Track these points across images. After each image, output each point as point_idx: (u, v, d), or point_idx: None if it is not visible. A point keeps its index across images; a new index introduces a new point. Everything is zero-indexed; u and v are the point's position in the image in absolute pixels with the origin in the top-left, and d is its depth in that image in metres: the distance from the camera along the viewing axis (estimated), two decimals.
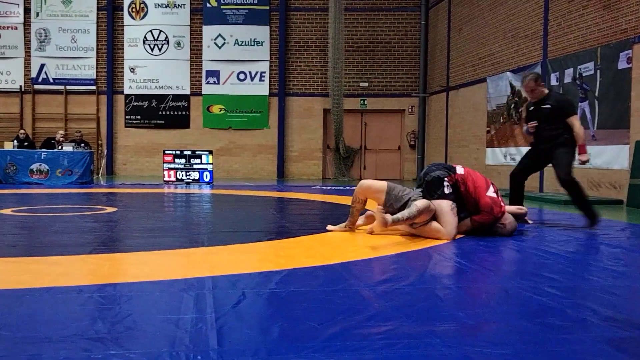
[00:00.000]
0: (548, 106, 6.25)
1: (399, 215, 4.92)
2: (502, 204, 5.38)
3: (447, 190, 5.15)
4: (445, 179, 5.15)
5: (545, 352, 2.17)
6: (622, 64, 9.89)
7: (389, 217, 4.87)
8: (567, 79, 11.42)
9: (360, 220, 5.56)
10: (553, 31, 12.00)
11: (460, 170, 5.32)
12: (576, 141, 6.16)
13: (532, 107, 6.50)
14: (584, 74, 10.91)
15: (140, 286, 3.18)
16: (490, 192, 5.26)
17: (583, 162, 6.21)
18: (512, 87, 13.52)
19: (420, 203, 4.99)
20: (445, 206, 5.07)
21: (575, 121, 6.16)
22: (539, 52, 12.48)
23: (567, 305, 2.86)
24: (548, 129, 6.24)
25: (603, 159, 10.13)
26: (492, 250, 4.69)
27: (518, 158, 13.28)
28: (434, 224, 5.05)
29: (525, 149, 12.98)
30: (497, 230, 5.34)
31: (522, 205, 6.47)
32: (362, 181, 5.46)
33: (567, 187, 6.14)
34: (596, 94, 10.54)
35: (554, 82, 11.90)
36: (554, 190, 11.73)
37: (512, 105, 13.55)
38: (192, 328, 2.40)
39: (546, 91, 6.46)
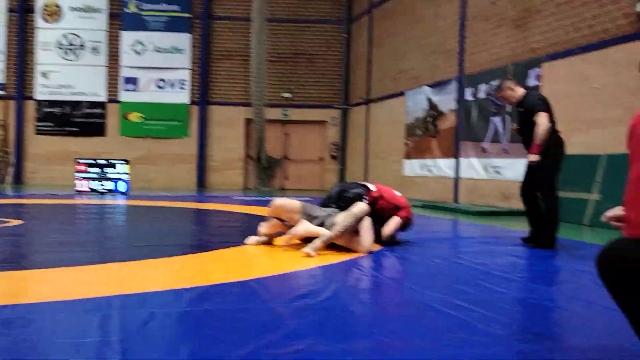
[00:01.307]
0: (522, 110, 5.97)
1: (338, 227, 4.93)
2: None
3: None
4: (365, 196, 5.33)
5: None
6: (531, 81, 10.36)
7: (327, 232, 4.92)
8: (481, 94, 11.87)
9: (263, 228, 5.38)
10: (469, 48, 12.45)
11: (372, 187, 5.65)
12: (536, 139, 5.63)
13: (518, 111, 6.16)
14: None
15: (41, 307, 2.99)
16: (397, 193, 5.89)
17: (531, 162, 5.70)
18: (430, 101, 13.91)
19: (357, 209, 5.02)
20: (366, 221, 5.16)
21: (537, 119, 5.62)
22: (455, 68, 12.91)
23: (476, 319, 2.92)
24: (528, 134, 5.81)
25: (514, 171, 10.56)
26: (407, 263, 4.76)
27: (434, 170, 13.69)
28: (356, 236, 5.10)
29: (441, 161, 13.44)
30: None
31: (542, 222, 5.78)
32: (275, 200, 5.39)
33: (546, 202, 5.76)
34: (507, 109, 11.00)
35: (469, 96, 12.33)
36: (468, 201, 12.13)
37: (430, 119, 13.93)
38: (94, 353, 2.27)
39: (519, 94, 6.01)
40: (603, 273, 2.03)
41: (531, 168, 5.77)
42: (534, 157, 5.64)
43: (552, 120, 5.77)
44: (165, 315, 2.89)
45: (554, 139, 5.72)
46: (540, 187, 5.74)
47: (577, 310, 3.20)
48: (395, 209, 5.71)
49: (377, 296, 3.52)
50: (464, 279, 4.10)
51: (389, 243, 5.61)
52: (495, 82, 11.28)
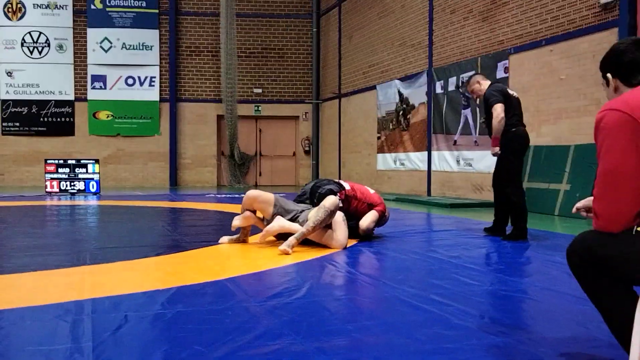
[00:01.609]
0: (479, 101, 6.04)
1: (311, 222, 4.92)
2: None
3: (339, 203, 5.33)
4: (338, 193, 5.34)
5: None
6: (500, 73, 10.48)
7: (301, 228, 4.92)
8: (451, 87, 11.96)
9: (237, 221, 5.31)
10: (437, 41, 12.53)
11: (346, 185, 5.67)
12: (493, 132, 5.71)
13: None
14: None
15: (10, 314, 2.93)
16: (371, 190, 5.91)
17: (493, 154, 5.80)
18: (401, 94, 13.97)
19: (328, 202, 5.01)
20: (338, 217, 5.16)
21: (493, 111, 5.65)
22: (425, 61, 12.99)
23: (450, 313, 2.94)
24: (490, 126, 5.84)
25: (485, 163, 10.68)
26: (382, 258, 4.78)
27: (407, 163, 13.77)
28: (329, 231, 5.10)
29: (413, 154, 13.52)
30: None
31: (507, 216, 5.89)
32: (250, 191, 5.39)
33: (510, 194, 5.76)
34: (477, 102, 11.10)
35: (439, 90, 12.42)
36: (440, 194, 12.23)
37: (401, 112, 14.00)
38: None
39: (485, 87, 6.02)
40: (573, 265, 2.06)
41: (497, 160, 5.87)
42: (494, 150, 5.73)
43: (515, 113, 5.78)
44: (139, 318, 2.86)
45: (516, 132, 5.74)
46: (504, 179, 5.80)
47: (549, 301, 3.25)
48: (369, 207, 5.74)
49: (352, 293, 3.53)
50: (438, 273, 4.14)
51: (365, 237, 5.64)
52: (465, 75, 11.39)
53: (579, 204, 2.22)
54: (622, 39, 2.17)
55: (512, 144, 5.72)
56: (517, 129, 5.77)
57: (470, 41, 11.41)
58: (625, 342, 1.89)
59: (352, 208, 5.63)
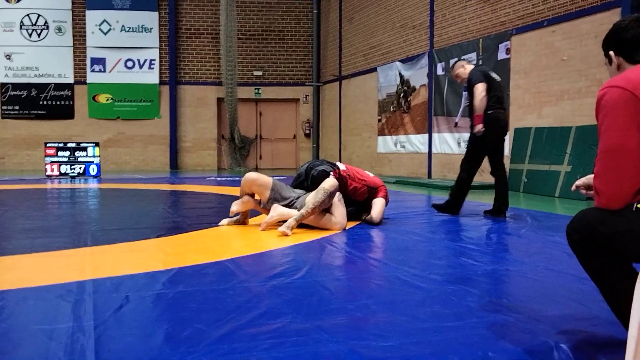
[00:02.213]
0: (465, 85, 6.12)
1: (310, 204, 4.91)
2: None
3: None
4: (331, 173, 5.27)
5: (427, 341, 2.22)
6: (501, 55, 10.42)
7: (296, 213, 4.92)
8: None
9: (235, 206, 5.33)
10: (438, 22, 12.44)
11: (342, 166, 5.57)
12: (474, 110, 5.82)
13: None
14: None
15: (13, 294, 2.94)
16: (369, 174, 5.80)
17: (475, 133, 5.85)
18: (402, 76, 13.91)
19: (327, 184, 4.99)
20: (335, 198, 5.14)
21: (475, 89, 5.76)
22: (426, 43, 12.91)
23: (450, 292, 2.95)
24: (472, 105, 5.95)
25: None
26: (382, 239, 4.79)
27: (408, 146, 13.75)
28: (327, 215, 5.10)
29: (414, 137, 13.49)
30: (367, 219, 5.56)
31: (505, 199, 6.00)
32: (248, 174, 5.39)
33: (462, 170, 6.06)
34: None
35: (440, 71, 12.36)
36: (441, 176, 12.22)
37: (402, 94, 13.94)
38: (68, 339, 2.24)
39: (467, 71, 6.11)
40: (573, 242, 2.06)
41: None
42: (478, 127, 5.76)
43: (494, 95, 5.80)
44: (140, 298, 2.87)
45: (492, 115, 5.75)
46: (467, 155, 6.00)
47: (549, 280, 3.26)
48: (371, 190, 5.62)
49: (352, 273, 3.54)
50: (438, 253, 4.14)
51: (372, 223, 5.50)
52: (467, 57, 11.33)
53: (579, 182, 2.22)
54: (624, 17, 2.16)
55: (485, 126, 5.75)
56: (493, 111, 5.79)
57: (471, 22, 11.34)
58: (624, 319, 1.89)
59: (350, 190, 5.53)
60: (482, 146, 5.93)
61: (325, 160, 5.63)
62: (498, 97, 5.86)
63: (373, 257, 4.01)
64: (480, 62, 10.95)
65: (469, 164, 6.03)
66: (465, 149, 6.16)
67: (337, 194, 5.18)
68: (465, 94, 11.47)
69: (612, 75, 2.12)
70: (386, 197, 5.71)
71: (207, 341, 2.22)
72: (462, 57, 11.44)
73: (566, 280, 3.23)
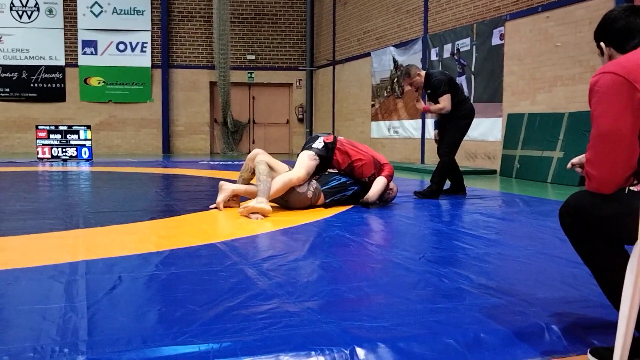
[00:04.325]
0: (428, 91, 6.48)
1: (261, 194, 4.92)
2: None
3: (316, 145, 5.41)
4: (322, 137, 5.38)
5: (419, 323, 2.23)
6: (495, 40, 10.40)
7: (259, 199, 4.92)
8: (446, 54, 11.87)
9: (219, 197, 5.34)
10: (433, 7, 12.39)
11: (340, 137, 5.67)
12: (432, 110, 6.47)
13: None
14: (461, 50, 11.38)
15: (4, 274, 2.93)
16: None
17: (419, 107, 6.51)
18: (395, 61, 13.87)
19: (258, 172, 5.05)
20: (302, 154, 5.25)
21: (441, 100, 6.27)
22: (420, 28, 12.86)
23: (443, 275, 2.97)
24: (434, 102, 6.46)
25: (479, 131, 10.67)
26: (374, 223, 4.80)
27: (401, 131, 13.75)
28: (279, 178, 5.07)
29: (407, 122, 13.49)
30: (384, 196, 5.54)
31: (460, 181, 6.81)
32: (258, 150, 5.42)
33: (440, 163, 6.54)
34: (472, 69, 11.04)
35: (434, 57, 12.33)
36: (434, 162, 12.23)
37: (395, 80, 13.91)
38: (61, 319, 2.24)
39: (422, 77, 6.47)
40: (565, 225, 2.07)
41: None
42: (420, 105, 6.43)
43: (461, 92, 6.57)
44: (133, 279, 2.87)
45: (464, 111, 6.39)
46: (446, 146, 6.49)
47: (541, 264, 3.28)
48: (376, 166, 5.54)
49: (345, 255, 3.55)
50: (431, 237, 4.16)
51: (366, 205, 5.48)
52: (460, 42, 11.30)
53: (575, 160, 2.22)
54: (614, 7, 2.16)
55: (461, 122, 6.40)
56: (465, 105, 6.45)
57: (465, 7, 11.29)
58: (616, 301, 1.91)
59: (346, 165, 5.46)
60: (460, 137, 6.52)
61: (319, 135, 5.63)
62: (462, 90, 6.71)
63: (366, 240, 4.02)
64: (474, 48, 10.93)
65: (450, 151, 6.48)
66: (448, 138, 6.49)
67: (313, 154, 5.29)
68: (459, 79, 11.48)
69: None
70: (389, 177, 5.59)
71: (200, 322, 2.22)
72: (456, 42, 11.42)
73: (558, 263, 3.25)
